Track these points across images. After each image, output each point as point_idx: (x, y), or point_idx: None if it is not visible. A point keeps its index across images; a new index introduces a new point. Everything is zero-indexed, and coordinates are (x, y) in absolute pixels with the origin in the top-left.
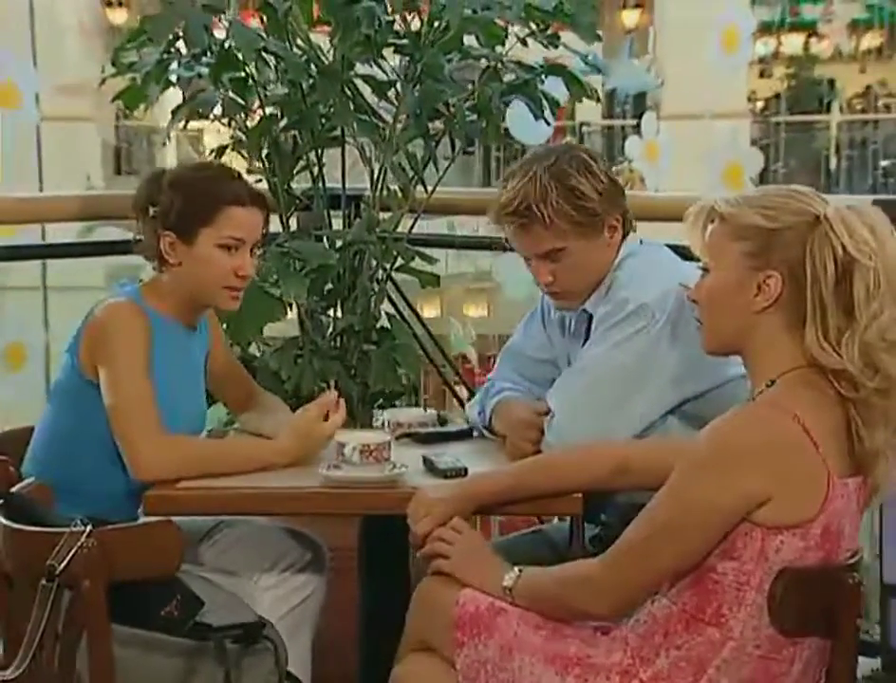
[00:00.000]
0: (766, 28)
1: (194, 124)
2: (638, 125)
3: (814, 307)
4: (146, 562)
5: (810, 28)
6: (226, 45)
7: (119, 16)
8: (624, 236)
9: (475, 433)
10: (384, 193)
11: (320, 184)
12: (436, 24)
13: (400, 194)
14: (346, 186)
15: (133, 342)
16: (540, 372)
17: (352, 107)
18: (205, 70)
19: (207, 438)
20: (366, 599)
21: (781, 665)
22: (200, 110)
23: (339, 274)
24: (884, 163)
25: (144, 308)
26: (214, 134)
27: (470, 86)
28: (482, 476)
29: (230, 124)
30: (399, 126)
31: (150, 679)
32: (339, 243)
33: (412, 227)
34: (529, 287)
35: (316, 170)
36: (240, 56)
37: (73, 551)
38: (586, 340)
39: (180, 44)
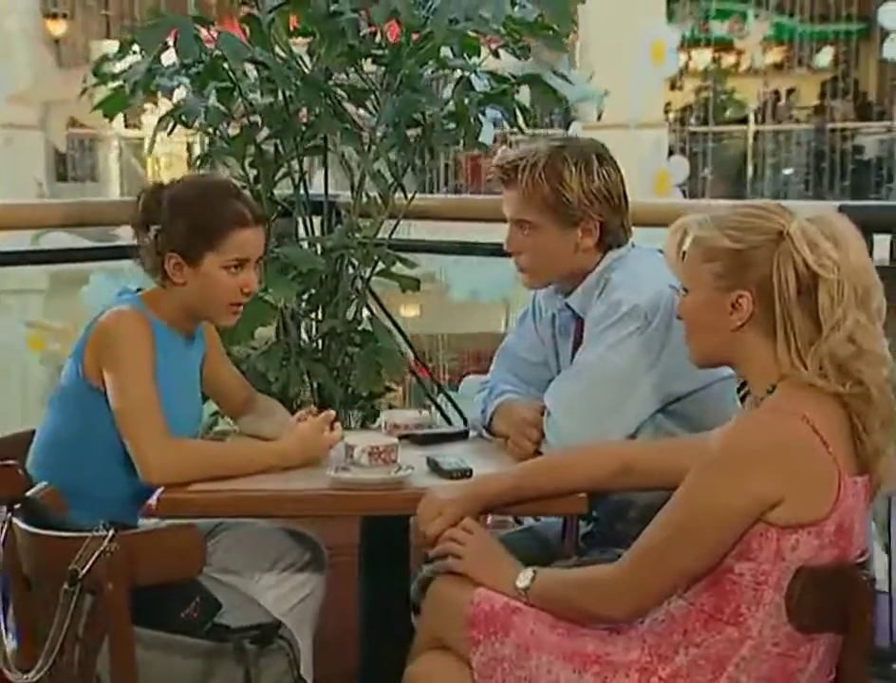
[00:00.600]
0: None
1: (136, 133)
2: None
3: (783, 322)
4: (169, 565)
5: (719, 44)
6: (214, 54)
7: (59, 28)
8: (606, 249)
9: (471, 434)
10: (365, 199)
11: (302, 191)
12: (413, 35)
13: (379, 201)
14: (322, 193)
15: (139, 349)
16: (534, 373)
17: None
18: (185, 80)
19: (212, 441)
20: (367, 598)
21: (799, 662)
22: (184, 118)
23: (321, 279)
24: (786, 171)
25: (147, 316)
26: (167, 143)
27: (445, 95)
28: (489, 477)
29: (214, 133)
30: (378, 134)
31: (170, 681)
32: (320, 248)
33: (392, 232)
34: (472, 290)
35: (297, 177)
36: (226, 66)
37: (96, 556)
38: (575, 338)
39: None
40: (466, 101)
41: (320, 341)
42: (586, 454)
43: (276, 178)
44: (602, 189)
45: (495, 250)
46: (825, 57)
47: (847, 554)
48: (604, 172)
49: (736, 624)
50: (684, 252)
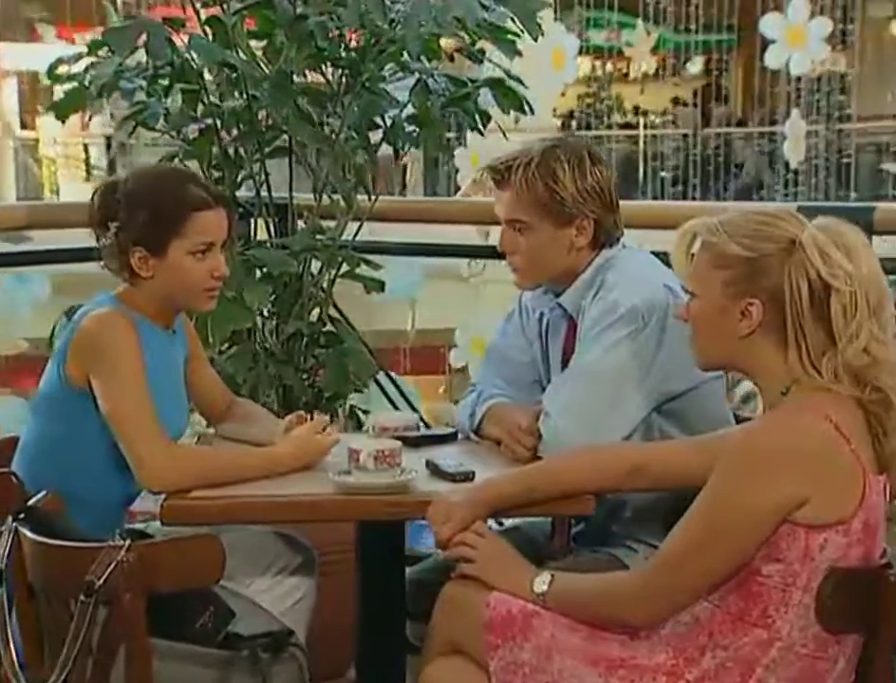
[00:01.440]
0: None
1: (31, 135)
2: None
3: (795, 331)
4: (186, 575)
5: (599, 52)
6: (184, 57)
7: None
8: (599, 247)
9: (459, 436)
10: (329, 201)
11: (265, 192)
12: (374, 39)
13: (343, 203)
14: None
15: (127, 351)
16: (520, 373)
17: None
18: (142, 82)
19: (209, 447)
20: (363, 601)
21: (827, 663)
22: (147, 121)
23: (285, 282)
24: (663, 174)
25: (128, 315)
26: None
27: (404, 99)
28: (498, 480)
29: (178, 135)
30: (342, 137)
31: None
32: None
33: (356, 234)
34: (407, 291)
35: (259, 179)
36: (194, 68)
37: (112, 566)
38: (566, 338)
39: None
40: (429, 103)
41: (286, 344)
42: (595, 456)
43: (240, 181)
44: (595, 186)
45: (453, 252)
46: (696, 66)
47: (872, 552)
48: (596, 170)
49: (764, 626)
50: (692, 257)
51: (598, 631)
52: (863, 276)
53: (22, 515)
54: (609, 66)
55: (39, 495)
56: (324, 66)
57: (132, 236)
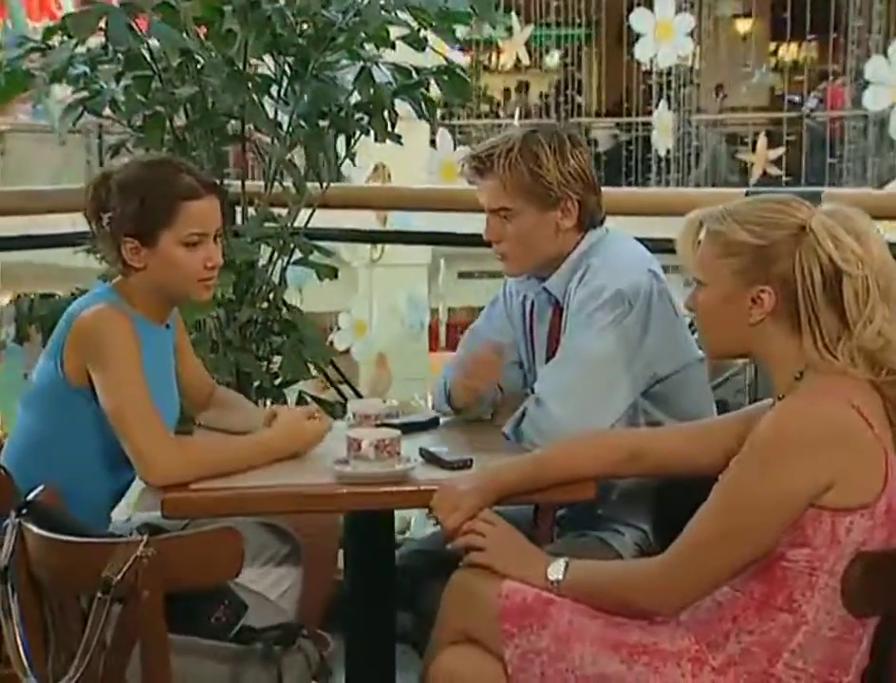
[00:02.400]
0: None
1: None
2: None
3: (808, 316)
4: (204, 569)
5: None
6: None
7: None
8: (584, 228)
9: (441, 421)
10: (281, 188)
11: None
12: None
13: (294, 190)
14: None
15: (126, 347)
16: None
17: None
18: (85, 68)
19: (205, 438)
20: (352, 593)
21: (852, 646)
22: (96, 108)
23: (239, 270)
24: None
25: (125, 311)
26: None
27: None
28: (502, 467)
29: (128, 123)
30: (293, 124)
31: None
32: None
33: (307, 221)
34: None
35: (211, 167)
36: (149, 54)
37: (130, 562)
38: (551, 323)
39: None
40: (372, 91)
41: (241, 331)
42: (595, 442)
43: None
44: (577, 168)
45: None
46: (553, 59)
47: (894, 535)
48: (577, 152)
49: (790, 611)
50: (701, 246)
51: (616, 618)
52: (873, 259)
53: (24, 510)
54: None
55: (38, 490)
56: (284, 54)
57: (123, 227)
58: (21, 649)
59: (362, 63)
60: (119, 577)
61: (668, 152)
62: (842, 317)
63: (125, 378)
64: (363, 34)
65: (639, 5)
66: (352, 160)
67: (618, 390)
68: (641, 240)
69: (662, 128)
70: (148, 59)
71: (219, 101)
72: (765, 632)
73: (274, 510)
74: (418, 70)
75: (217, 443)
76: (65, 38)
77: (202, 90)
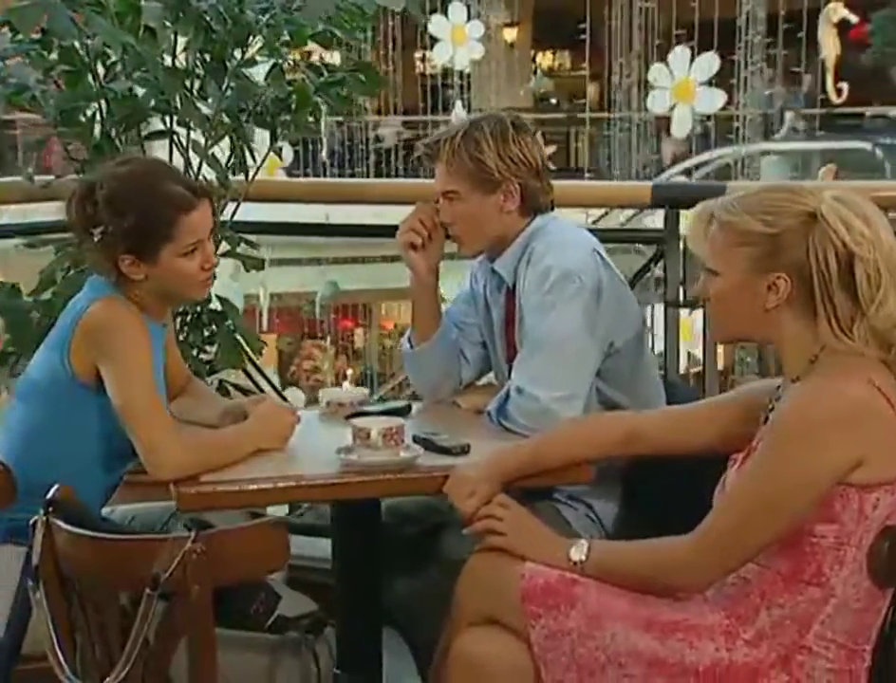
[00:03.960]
0: None
1: None
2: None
3: (823, 300)
4: (253, 563)
5: None
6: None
7: None
8: (530, 213)
9: (413, 409)
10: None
11: None
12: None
13: (218, 185)
14: None
15: (139, 341)
16: (467, 333)
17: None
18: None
19: (204, 431)
20: (340, 581)
21: (874, 615)
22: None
23: None
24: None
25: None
26: None
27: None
28: (508, 451)
29: (58, 118)
30: (217, 120)
31: (243, 679)
32: None
33: (233, 214)
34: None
35: None
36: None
37: (180, 558)
38: (505, 306)
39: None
40: (291, 89)
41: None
42: (594, 424)
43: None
44: (518, 153)
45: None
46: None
47: None
48: (519, 138)
49: (819, 584)
50: (713, 236)
51: (642, 596)
52: (881, 242)
53: (52, 509)
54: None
55: (54, 488)
56: (215, 51)
57: (120, 244)
58: (57, 646)
59: (273, 60)
60: (168, 573)
61: None
62: (855, 299)
63: (137, 372)
64: (286, 33)
65: (433, 11)
66: (278, 155)
67: (586, 364)
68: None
69: None
70: (82, 54)
71: (152, 97)
72: (795, 605)
73: (289, 501)
74: (329, 68)
75: (210, 435)
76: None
77: (131, 86)
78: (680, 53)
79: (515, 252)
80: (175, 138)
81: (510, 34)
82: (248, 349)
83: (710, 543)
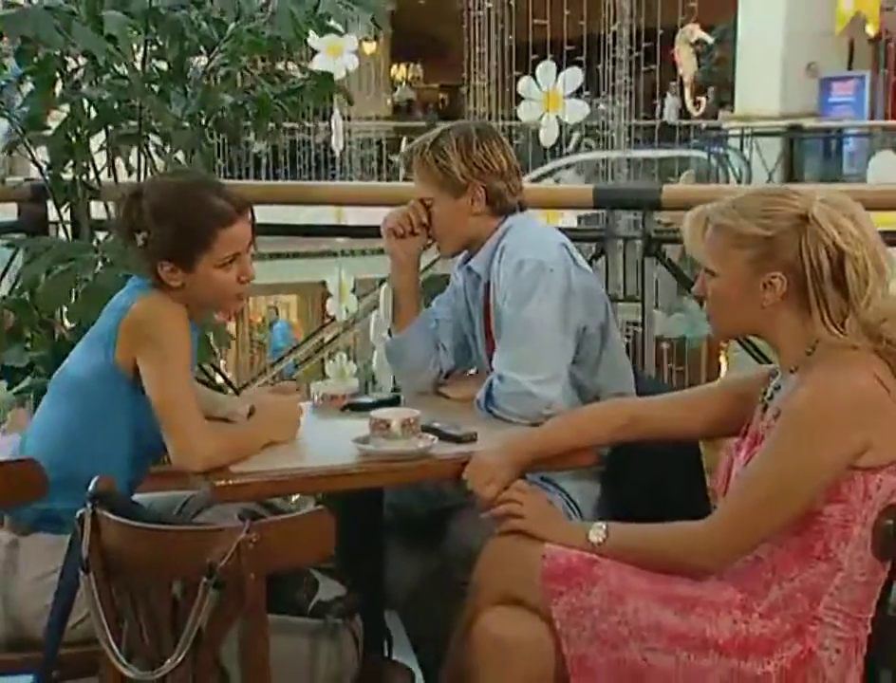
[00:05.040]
0: None
1: None
2: None
3: (816, 297)
4: (304, 551)
5: None
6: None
7: None
8: (500, 213)
9: (402, 398)
10: None
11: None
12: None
13: None
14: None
15: (183, 337)
16: (446, 330)
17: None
18: None
19: (228, 427)
20: (342, 569)
21: (875, 587)
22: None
23: None
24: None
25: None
26: None
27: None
28: (520, 438)
29: (30, 122)
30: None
31: (290, 664)
32: None
33: None
34: None
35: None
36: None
37: (235, 546)
38: (483, 302)
39: None
40: (242, 100)
41: None
42: (600, 410)
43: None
44: (482, 158)
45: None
46: None
47: None
48: (483, 144)
49: (826, 560)
50: (709, 238)
51: (658, 575)
52: (869, 241)
53: (99, 501)
54: None
55: (94, 480)
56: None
57: (161, 251)
58: (110, 636)
59: (229, 69)
60: (223, 562)
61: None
62: (846, 295)
63: (180, 368)
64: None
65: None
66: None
67: (566, 350)
68: None
69: (336, 131)
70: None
71: (126, 102)
72: (806, 578)
73: (315, 490)
74: (282, 77)
75: (235, 430)
76: None
77: (107, 90)
78: (546, 67)
79: (489, 250)
80: (141, 142)
81: (369, 48)
82: (212, 343)
83: (729, 524)
